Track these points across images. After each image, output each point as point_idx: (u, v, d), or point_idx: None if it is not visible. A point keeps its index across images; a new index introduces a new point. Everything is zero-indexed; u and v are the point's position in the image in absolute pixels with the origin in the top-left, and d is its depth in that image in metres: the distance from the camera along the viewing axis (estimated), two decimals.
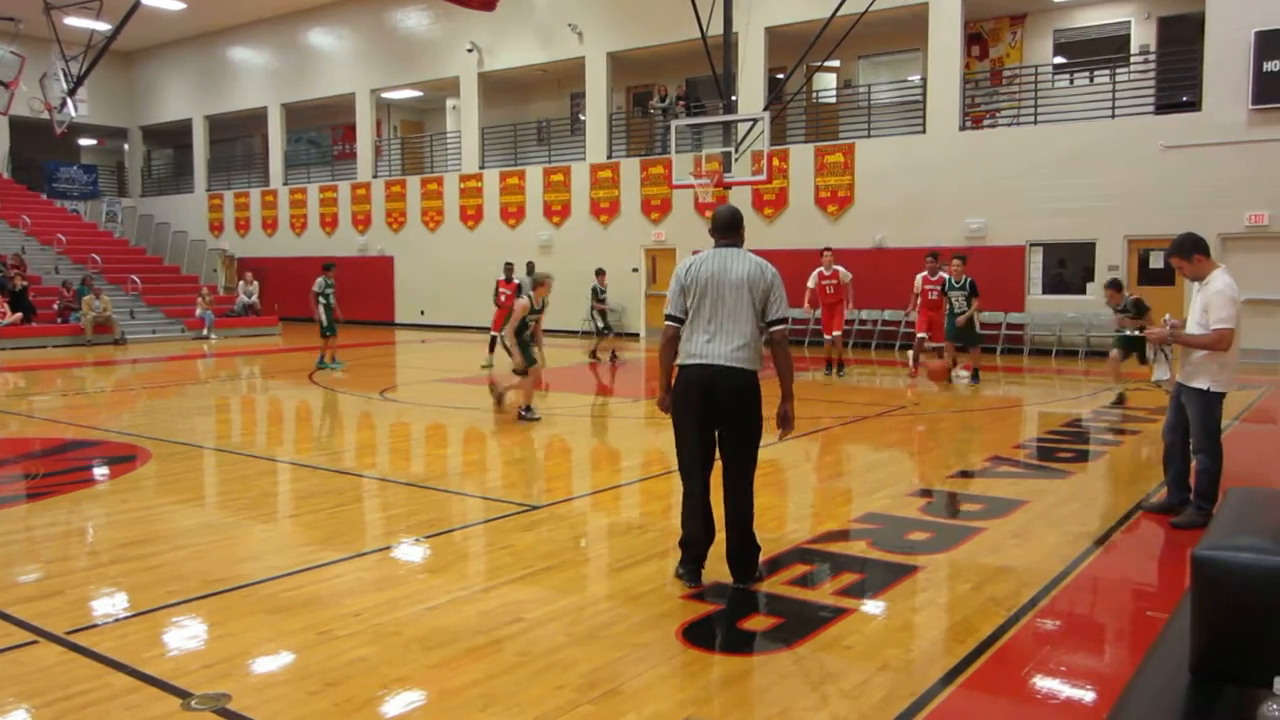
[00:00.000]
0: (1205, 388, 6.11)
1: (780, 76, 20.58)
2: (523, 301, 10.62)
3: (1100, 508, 6.76)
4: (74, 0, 23.27)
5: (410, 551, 5.92)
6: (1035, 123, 18.61)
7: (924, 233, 19.05)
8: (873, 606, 4.81)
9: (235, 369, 17.59)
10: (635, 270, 23.18)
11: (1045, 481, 7.62)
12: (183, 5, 26.41)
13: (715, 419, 4.90)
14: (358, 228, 28.57)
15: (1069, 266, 18.43)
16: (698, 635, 4.43)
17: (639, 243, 23.06)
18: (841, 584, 5.19)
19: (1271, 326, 15.72)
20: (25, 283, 22.20)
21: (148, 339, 22.41)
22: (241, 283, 27.32)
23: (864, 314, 20.07)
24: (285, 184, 30.57)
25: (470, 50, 25.21)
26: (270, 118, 30.43)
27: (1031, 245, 18.44)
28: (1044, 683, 3.95)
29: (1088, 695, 3.87)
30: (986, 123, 19.89)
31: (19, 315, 21.09)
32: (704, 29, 17.38)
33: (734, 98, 18.45)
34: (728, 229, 5.18)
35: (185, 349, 20.91)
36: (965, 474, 7.95)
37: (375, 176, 28.38)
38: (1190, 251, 6.16)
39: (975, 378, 13.88)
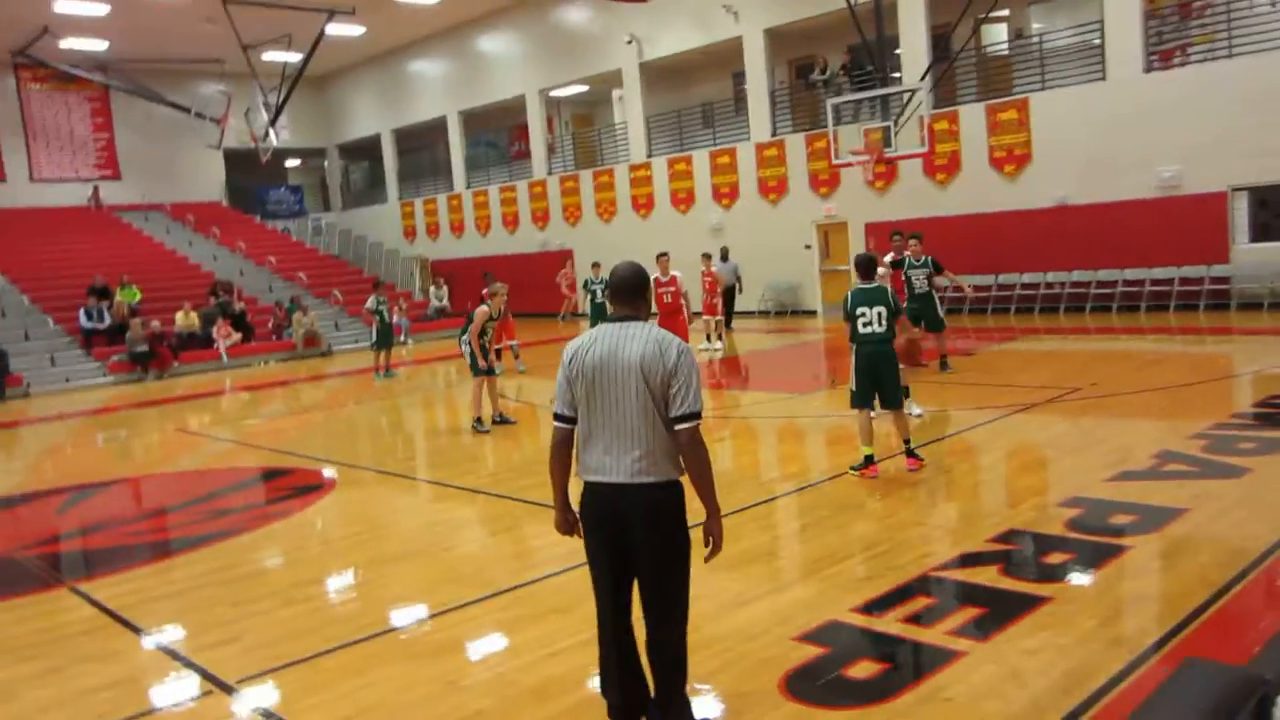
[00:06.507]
0: None
1: (945, 34, 19.71)
2: (483, 309, 11.38)
3: None
4: (267, 38, 25.18)
5: (542, 587, 6.09)
6: (1230, 56, 17.00)
7: (1111, 187, 17.89)
8: (984, 651, 4.65)
9: (423, 380, 18.67)
10: (808, 247, 22.89)
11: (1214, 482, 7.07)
12: (363, 29, 27.98)
13: (624, 549, 3.87)
14: (537, 224, 29.53)
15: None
16: (799, 687, 4.43)
17: (810, 219, 22.73)
18: (958, 621, 5.05)
19: None
20: (242, 305, 24.30)
21: (352, 349, 24.04)
22: (433, 287, 28.84)
23: (1049, 276, 19.07)
24: (468, 187, 31.94)
25: (629, 42, 25.46)
26: (450, 125, 31.85)
27: (1234, 190, 16.92)
28: None
29: None
30: (1176, 60, 18.32)
31: (239, 335, 23.13)
32: None
33: (895, 61, 17.79)
34: (628, 294, 3.96)
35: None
36: (1128, 475, 7.48)
37: (550, 173, 29.21)
38: None
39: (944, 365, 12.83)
